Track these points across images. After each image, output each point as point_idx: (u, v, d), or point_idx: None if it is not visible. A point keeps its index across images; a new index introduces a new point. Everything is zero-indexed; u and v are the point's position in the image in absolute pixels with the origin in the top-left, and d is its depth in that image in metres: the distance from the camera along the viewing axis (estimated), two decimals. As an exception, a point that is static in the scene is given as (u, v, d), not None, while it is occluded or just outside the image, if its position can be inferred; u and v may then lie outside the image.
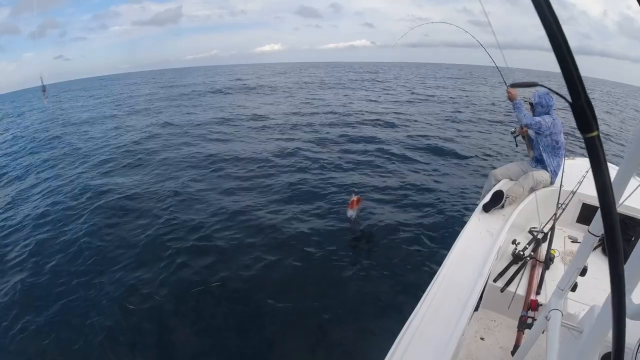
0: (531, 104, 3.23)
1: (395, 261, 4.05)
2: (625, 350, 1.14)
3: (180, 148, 9.28)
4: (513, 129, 3.60)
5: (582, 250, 1.14)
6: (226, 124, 12.20)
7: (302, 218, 5.04)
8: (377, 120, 11.74)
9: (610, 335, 0.85)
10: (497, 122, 11.93)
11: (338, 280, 3.78)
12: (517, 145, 4.00)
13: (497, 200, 2.93)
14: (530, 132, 3.40)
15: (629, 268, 0.76)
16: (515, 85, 3.03)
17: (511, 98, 3.23)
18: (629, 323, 0.71)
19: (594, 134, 0.39)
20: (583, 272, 1.20)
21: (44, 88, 10.20)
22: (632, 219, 2.81)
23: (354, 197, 4.51)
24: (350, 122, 11.47)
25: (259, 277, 3.84)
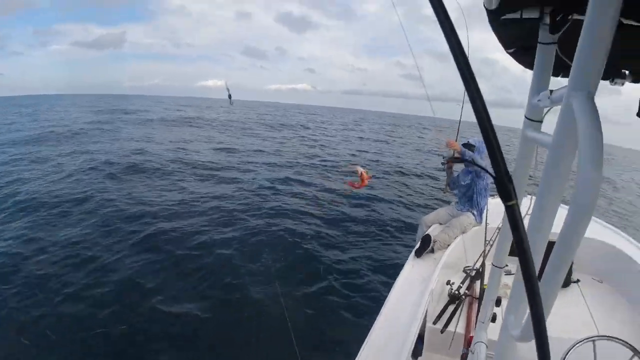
0: (469, 145, 3.48)
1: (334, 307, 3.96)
2: None
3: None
4: (443, 159, 3.67)
5: (492, 283, 1.20)
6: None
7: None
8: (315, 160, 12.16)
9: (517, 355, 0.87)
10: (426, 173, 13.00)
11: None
12: (444, 191, 4.10)
13: (426, 244, 3.06)
14: (465, 178, 3.58)
15: (512, 291, 0.82)
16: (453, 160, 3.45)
17: (453, 146, 3.33)
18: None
19: (513, 202, 0.46)
20: (497, 302, 1.26)
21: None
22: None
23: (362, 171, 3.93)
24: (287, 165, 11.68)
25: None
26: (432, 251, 3.09)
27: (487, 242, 3.11)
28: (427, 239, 3.11)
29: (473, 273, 2.95)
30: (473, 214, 3.56)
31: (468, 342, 2.01)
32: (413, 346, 1.91)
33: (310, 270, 4.58)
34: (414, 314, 2.14)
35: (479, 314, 1.27)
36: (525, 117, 0.88)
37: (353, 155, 15.15)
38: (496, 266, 1.15)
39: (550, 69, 0.80)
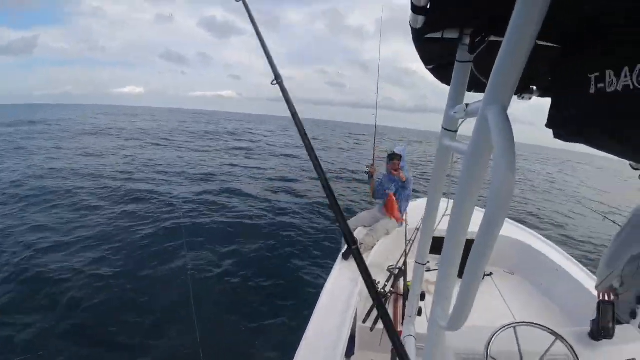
0: (395, 154, 3.71)
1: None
2: (476, 356, 1.31)
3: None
4: (366, 168, 3.98)
5: (415, 279, 1.29)
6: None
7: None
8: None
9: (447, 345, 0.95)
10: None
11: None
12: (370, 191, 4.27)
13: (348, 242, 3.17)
14: (390, 186, 3.78)
15: (437, 284, 0.85)
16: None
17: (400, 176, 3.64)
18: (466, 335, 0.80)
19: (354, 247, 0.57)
20: (422, 297, 1.35)
21: None
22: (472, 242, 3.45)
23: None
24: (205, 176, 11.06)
25: None
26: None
27: (408, 241, 3.36)
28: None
29: (396, 271, 3.14)
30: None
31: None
32: (346, 346, 1.94)
33: (233, 286, 4.38)
34: (344, 315, 2.19)
35: (406, 309, 1.34)
36: (443, 127, 0.96)
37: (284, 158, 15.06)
38: (419, 263, 1.22)
39: (466, 84, 0.88)
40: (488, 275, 3.31)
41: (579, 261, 3.08)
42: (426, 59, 1.00)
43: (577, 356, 1.20)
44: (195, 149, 17.36)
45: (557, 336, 1.26)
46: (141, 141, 19.19)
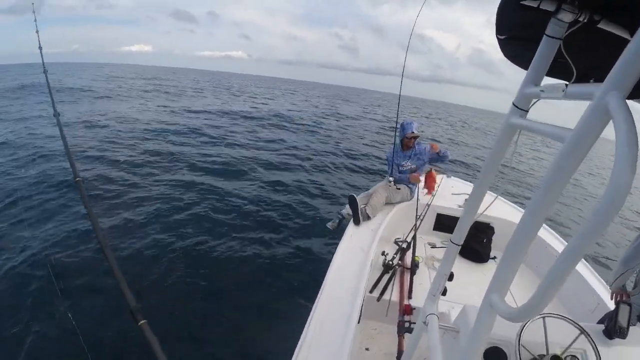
0: (415, 136, 3.74)
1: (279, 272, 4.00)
2: (506, 342, 1.32)
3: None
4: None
5: (447, 258, 1.24)
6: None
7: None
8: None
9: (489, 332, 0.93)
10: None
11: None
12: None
13: (354, 205, 3.20)
14: (414, 163, 3.82)
15: (498, 270, 0.83)
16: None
17: (436, 149, 3.74)
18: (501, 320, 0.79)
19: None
20: (450, 277, 1.34)
21: None
22: (482, 224, 3.41)
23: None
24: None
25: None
26: (369, 218, 3.23)
27: (418, 216, 3.33)
28: (352, 200, 3.25)
29: (405, 245, 3.14)
30: (409, 187, 3.80)
31: (404, 310, 2.13)
32: (360, 315, 1.99)
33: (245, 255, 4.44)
34: (357, 284, 2.24)
35: (431, 287, 1.32)
36: (514, 104, 0.90)
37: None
38: (454, 243, 1.18)
39: (549, 62, 0.82)
40: (492, 259, 3.31)
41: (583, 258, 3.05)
42: (504, 26, 0.92)
43: (599, 354, 1.21)
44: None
45: (583, 331, 1.26)
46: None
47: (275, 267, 4.16)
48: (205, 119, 14.54)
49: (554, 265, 0.59)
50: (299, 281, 3.87)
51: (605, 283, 2.59)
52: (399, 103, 3.71)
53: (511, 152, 1.01)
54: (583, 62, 0.76)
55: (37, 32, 3.46)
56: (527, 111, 0.90)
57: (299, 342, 1.75)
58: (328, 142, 12.53)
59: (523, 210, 3.34)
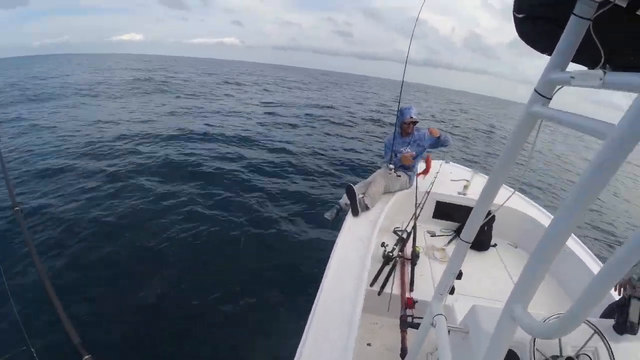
0: (414, 122, 3.64)
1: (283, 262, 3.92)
2: (520, 345, 1.26)
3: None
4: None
5: (456, 257, 1.19)
6: None
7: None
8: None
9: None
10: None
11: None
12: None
13: (352, 196, 3.12)
14: (413, 149, 3.72)
15: (521, 278, 0.75)
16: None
17: (435, 134, 3.61)
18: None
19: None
20: (459, 276, 1.27)
21: None
22: None
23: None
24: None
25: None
26: (367, 208, 3.15)
27: (418, 205, 3.25)
28: (350, 190, 3.17)
29: (405, 235, 3.07)
30: (408, 175, 3.72)
31: (405, 303, 2.07)
32: (361, 310, 1.93)
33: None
34: (359, 278, 2.17)
35: (438, 285, 1.25)
36: (535, 90, 0.83)
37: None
38: (464, 241, 1.12)
39: (577, 45, 0.73)
40: (493, 246, 3.27)
41: (584, 243, 2.98)
42: (524, 3, 0.84)
43: (612, 354, 1.17)
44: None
45: (597, 331, 1.22)
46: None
47: (273, 263, 4.09)
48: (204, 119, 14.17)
49: (596, 278, 0.53)
50: (299, 276, 3.82)
51: None
52: (401, 90, 3.57)
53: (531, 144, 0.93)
54: (610, 47, 0.67)
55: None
56: (550, 99, 0.82)
57: (301, 340, 1.70)
58: (323, 131, 12.37)
59: (523, 196, 3.25)
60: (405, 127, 3.67)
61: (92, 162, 7.01)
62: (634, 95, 0.54)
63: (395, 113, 3.73)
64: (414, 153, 3.66)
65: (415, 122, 3.65)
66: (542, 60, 0.90)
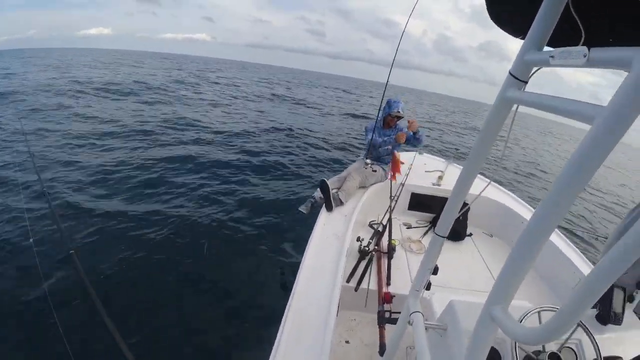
0: (400, 117, 3.60)
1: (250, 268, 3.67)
2: (501, 341, 1.14)
3: None
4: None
5: (432, 252, 1.14)
6: None
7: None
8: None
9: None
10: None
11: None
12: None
13: (325, 191, 3.04)
14: (384, 140, 3.67)
15: (500, 278, 0.69)
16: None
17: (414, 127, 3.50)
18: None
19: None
20: (435, 271, 1.22)
21: None
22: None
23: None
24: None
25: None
26: (342, 203, 3.07)
27: (393, 197, 3.21)
28: (324, 185, 3.08)
29: (380, 228, 3.01)
30: (383, 169, 3.69)
31: (383, 298, 2.01)
32: (337, 307, 1.85)
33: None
34: (334, 275, 2.09)
35: (414, 281, 1.18)
36: (510, 73, 0.76)
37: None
38: (439, 235, 1.07)
39: (555, 22, 0.68)
40: (468, 235, 3.28)
41: (559, 229, 3.01)
42: None
43: (597, 345, 1.14)
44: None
45: (580, 324, 1.18)
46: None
47: (246, 260, 3.85)
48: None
49: (588, 278, 0.48)
50: (271, 275, 3.64)
51: (585, 258, 2.58)
52: (385, 90, 3.48)
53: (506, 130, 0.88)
54: (594, 24, 0.62)
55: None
56: (526, 82, 0.76)
57: (276, 341, 1.61)
58: (297, 126, 12.22)
59: (497, 185, 3.27)
60: (389, 119, 3.63)
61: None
62: (619, 81, 0.48)
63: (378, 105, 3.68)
64: (391, 147, 3.65)
65: (400, 117, 3.62)
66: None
